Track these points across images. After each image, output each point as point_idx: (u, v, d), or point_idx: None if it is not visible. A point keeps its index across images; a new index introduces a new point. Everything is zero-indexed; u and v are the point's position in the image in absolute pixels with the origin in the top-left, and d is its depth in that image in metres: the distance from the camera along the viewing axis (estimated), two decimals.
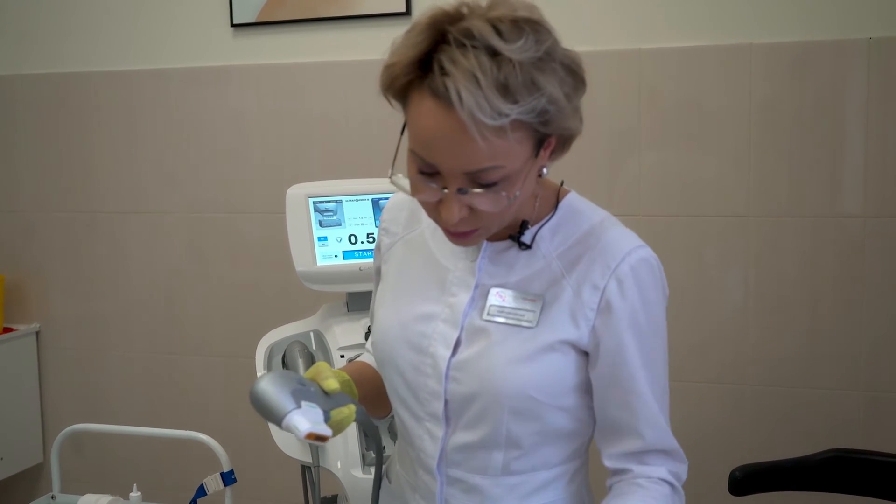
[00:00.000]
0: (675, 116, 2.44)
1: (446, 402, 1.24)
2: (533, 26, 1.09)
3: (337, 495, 1.99)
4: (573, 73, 1.13)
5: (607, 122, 2.46)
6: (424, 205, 1.18)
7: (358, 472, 1.85)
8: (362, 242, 2.11)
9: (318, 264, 2.07)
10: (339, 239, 2.10)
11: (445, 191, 1.12)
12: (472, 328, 1.23)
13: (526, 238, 1.24)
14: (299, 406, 1.11)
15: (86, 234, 3.03)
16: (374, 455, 1.36)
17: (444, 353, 1.24)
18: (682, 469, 1.26)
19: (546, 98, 1.07)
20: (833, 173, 2.34)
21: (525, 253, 1.25)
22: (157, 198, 2.94)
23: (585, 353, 1.22)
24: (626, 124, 2.47)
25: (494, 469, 1.25)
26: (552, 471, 1.27)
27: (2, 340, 3.01)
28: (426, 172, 1.13)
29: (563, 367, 1.21)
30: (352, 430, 1.86)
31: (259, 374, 1.98)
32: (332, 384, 1.19)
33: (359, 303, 2.11)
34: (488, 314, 1.23)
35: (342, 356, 2.00)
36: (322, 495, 1.93)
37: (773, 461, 1.98)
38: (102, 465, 3.04)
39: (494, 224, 1.17)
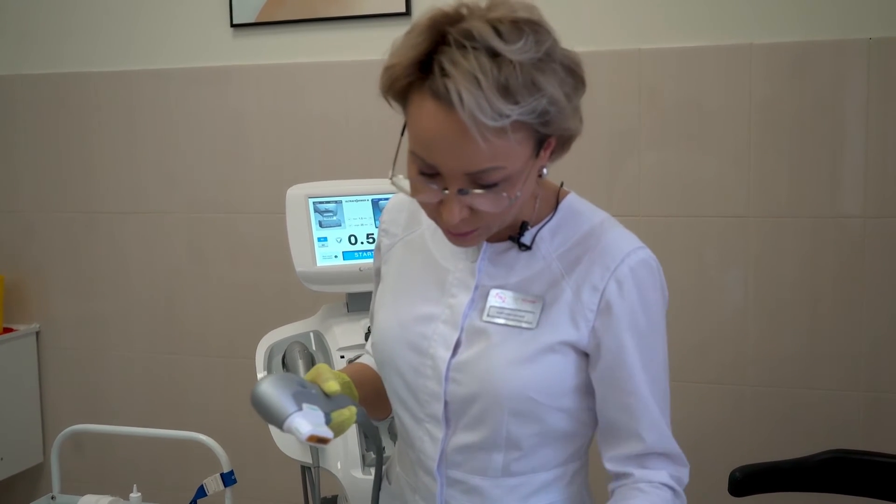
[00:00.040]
0: (675, 117, 2.44)
1: (446, 403, 1.24)
2: (533, 27, 1.09)
3: (337, 496, 1.99)
4: (573, 74, 1.13)
5: (607, 122, 2.46)
6: (424, 206, 1.18)
7: (358, 473, 1.85)
8: (362, 243, 2.11)
9: (318, 265, 2.07)
10: (338, 239, 2.10)
11: (446, 192, 1.12)
12: (472, 329, 1.23)
13: (526, 239, 1.24)
14: (300, 408, 1.11)
15: (86, 234, 3.03)
16: (374, 456, 1.36)
17: (443, 354, 1.24)
18: (684, 473, 1.26)
19: (546, 98, 1.08)
20: (833, 174, 2.34)
21: (525, 254, 1.25)
22: (156, 198, 2.94)
23: (585, 355, 1.22)
24: (625, 125, 2.47)
25: (494, 470, 1.25)
26: (552, 472, 1.27)
27: (2, 340, 3.01)
28: (427, 173, 1.13)
29: (563, 369, 1.21)
30: (352, 431, 1.86)
31: (259, 375, 1.99)
32: (332, 386, 1.19)
33: (359, 303, 2.11)
34: (488, 315, 1.23)
35: (342, 357, 2.00)
36: (322, 496, 1.93)
37: (772, 462, 1.98)
38: (102, 466, 3.04)
39: (495, 224, 1.17)
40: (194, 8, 2.84)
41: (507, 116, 1.05)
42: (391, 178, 1.17)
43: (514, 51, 1.06)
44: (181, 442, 1.90)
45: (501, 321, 1.22)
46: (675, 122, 2.44)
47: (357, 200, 2.14)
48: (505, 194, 1.12)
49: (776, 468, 1.97)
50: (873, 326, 2.35)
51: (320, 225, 2.10)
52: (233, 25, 2.79)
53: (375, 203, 2.14)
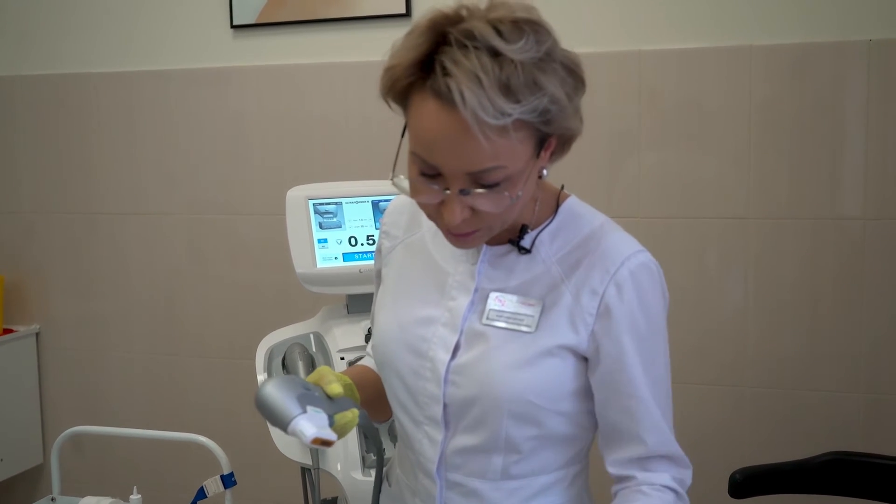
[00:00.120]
0: (675, 118, 2.44)
1: (445, 405, 1.24)
2: (533, 27, 1.09)
3: (337, 497, 1.99)
4: (573, 73, 1.13)
5: (607, 123, 2.46)
6: (425, 207, 1.18)
7: (358, 475, 1.85)
8: (362, 244, 2.11)
9: (318, 266, 2.07)
10: (339, 241, 2.10)
11: (447, 192, 1.12)
12: (472, 332, 1.23)
13: (525, 242, 1.24)
14: (305, 411, 1.11)
15: (86, 235, 3.03)
16: (374, 457, 1.36)
17: (443, 356, 1.23)
18: (687, 475, 1.26)
19: (548, 97, 1.08)
20: (833, 175, 2.34)
21: (525, 257, 1.25)
22: (156, 199, 2.94)
23: (584, 359, 1.22)
24: (625, 125, 2.47)
25: (494, 473, 1.25)
26: (552, 475, 1.27)
27: (2, 341, 3.00)
28: (428, 174, 1.13)
29: (562, 372, 1.21)
30: (352, 433, 1.85)
31: (259, 377, 1.99)
32: (335, 388, 1.19)
33: (359, 305, 2.11)
34: (488, 318, 1.23)
35: (342, 358, 2.00)
36: (322, 497, 1.93)
37: (772, 464, 1.98)
38: (102, 467, 3.04)
39: (496, 225, 1.17)
40: (194, 9, 2.84)
41: (509, 115, 1.05)
42: (392, 179, 1.17)
43: (515, 50, 1.06)
44: (181, 443, 1.90)
45: (501, 324, 1.22)
46: (675, 123, 2.44)
47: (357, 202, 2.14)
48: (506, 194, 1.12)
49: (776, 470, 1.96)
50: (873, 328, 2.35)
51: (320, 226, 2.10)
52: (233, 26, 2.79)
53: (375, 204, 2.14)
